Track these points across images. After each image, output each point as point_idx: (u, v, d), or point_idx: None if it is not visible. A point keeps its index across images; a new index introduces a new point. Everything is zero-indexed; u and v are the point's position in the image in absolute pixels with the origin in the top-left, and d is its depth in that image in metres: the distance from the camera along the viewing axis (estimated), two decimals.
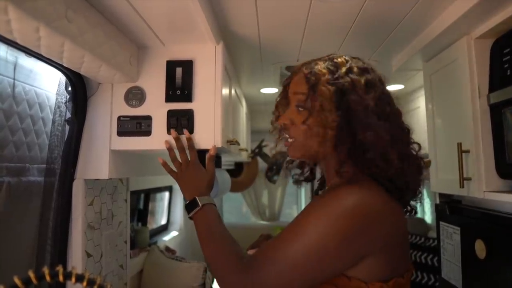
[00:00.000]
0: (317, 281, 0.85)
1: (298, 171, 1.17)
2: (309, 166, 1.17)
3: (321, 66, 0.95)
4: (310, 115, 0.93)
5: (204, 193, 1.15)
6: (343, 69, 0.93)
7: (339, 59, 0.97)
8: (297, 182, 1.18)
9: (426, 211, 4.16)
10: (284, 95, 1.07)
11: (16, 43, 0.91)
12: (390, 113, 0.94)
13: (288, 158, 1.12)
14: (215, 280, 2.61)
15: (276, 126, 1.06)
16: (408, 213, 1.01)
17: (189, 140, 1.29)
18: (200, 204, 1.09)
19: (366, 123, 0.88)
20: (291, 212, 4.97)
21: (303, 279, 0.84)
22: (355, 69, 0.94)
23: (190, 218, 1.10)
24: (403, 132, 0.97)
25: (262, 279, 0.85)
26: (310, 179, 1.18)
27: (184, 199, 1.15)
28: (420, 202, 1.00)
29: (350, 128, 0.89)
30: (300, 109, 0.97)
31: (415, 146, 0.98)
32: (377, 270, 0.84)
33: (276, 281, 0.84)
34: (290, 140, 1.00)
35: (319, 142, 0.93)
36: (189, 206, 1.11)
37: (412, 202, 1.01)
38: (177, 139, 1.28)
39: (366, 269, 0.83)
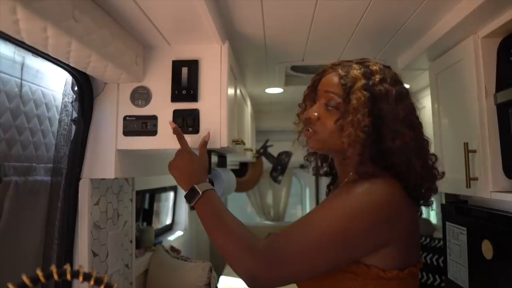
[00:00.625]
0: (337, 265, 0.88)
1: (318, 164, 1.21)
2: (328, 161, 1.20)
3: (357, 71, 0.99)
4: (341, 116, 0.97)
5: (201, 179, 1.12)
6: (378, 78, 0.97)
7: (373, 67, 1.00)
8: (320, 175, 1.22)
9: (431, 211, 4.14)
10: (312, 89, 1.11)
11: (24, 43, 0.92)
12: (416, 123, 0.99)
13: (309, 151, 1.15)
14: (220, 279, 2.60)
15: (302, 118, 1.08)
16: None
17: (175, 129, 1.25)
18: (200, 192, 1.06)
19: (395, 130, 0.93)
20: (295, 213, 4.97)
21: (323, 263, 0.86)
22: (389, 79, 0.98)
23: (192, 207, 1.07)
24: (426, 143, 1.01)
25: (283, 260, 0.85)
26: (329, 173, 1.21)
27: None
28: (431, 207, 1.03)
29: (379, 134, 0.94)
30: (330, 107, 1.01)
31: (432, 157, 1.02)
32: (394, 259, 0.88)
33: (297, 264, 0.85)
34: (310, 132, 1.03)
35: (348, 142, 0.94)
36: (189, 196, 1.08)
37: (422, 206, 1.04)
38: (175, 128, 1.27)
39: (384, 257, 0.88)
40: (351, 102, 0.95)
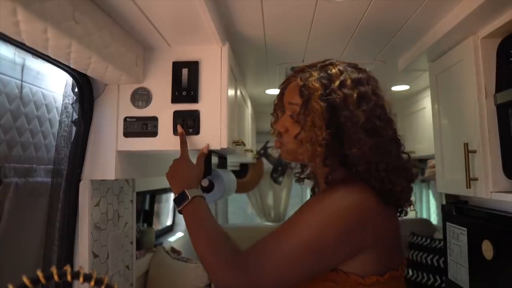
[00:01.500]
0: (314, 274, 0.88)
1: (299, 170, 1.20)
2: (312, 175, 1.19)
3: (314, 79, 0.96)
4: (302, 129, 0.98)
5: (193, 186, 1.12)
6: (337, 83, 0.95)
7: (333, 70, 0.98)
8: (299, 180, 1.21)
9: (431, 212, 4.14)
10: (280, 98, 1.11)
11: (24, 45, 0.92)
12: (380, 126, 0.95)
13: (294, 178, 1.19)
14: None
15: (273, 129, 1.11)
16: (398, 214, 1.02)
17: (181, 135, 1.29)
18: (189, 197, 1.06)
19: (353, 140, 0.92)
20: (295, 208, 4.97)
21: (300, 273, 0.86)
22: (349, 82, 0.95)
23: (179, 211, 1.08)
24: (394, 144, 0.98)
25: (259, 273, 0.85)
26: (311, 177, 1.20)
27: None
28: (412, 206, 1.01)
29: (338, 144, 0.93)
30: (294, 118, 1.00)
31: (404, 156, 1.00)
32: (372, 265, 0.88)
33: (274, 275, 0.85)
34: (280, 144, 1.06)
35: (308, 156, 0.95)
36: (178, 199, 1.08)
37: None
38: (182, 134, 1.30)
39: (362, 264, 0.87)
40: (308, 115, 0.94)
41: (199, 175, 1.20)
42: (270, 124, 1.18)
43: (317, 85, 0.95)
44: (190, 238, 0.99)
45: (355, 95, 0.93)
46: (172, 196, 3.29)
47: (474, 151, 1.37)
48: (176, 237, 3.10)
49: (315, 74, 0.98)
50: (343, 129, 0.92)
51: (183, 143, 1.27)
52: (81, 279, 0.67)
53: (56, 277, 0.65)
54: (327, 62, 1.02)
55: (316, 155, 0.93)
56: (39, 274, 0.64)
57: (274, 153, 3.90)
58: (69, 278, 0.66)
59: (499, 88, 1.32)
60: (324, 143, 0.92)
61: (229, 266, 0.87)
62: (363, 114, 0.92)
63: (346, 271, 0.87)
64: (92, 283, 0.67)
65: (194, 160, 1.24)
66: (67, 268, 0.66)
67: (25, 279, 0.62)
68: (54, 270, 0.65)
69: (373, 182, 0.91)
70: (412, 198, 1.00)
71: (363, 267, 0.87)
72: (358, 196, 0.89)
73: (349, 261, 0.87)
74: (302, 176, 1.20)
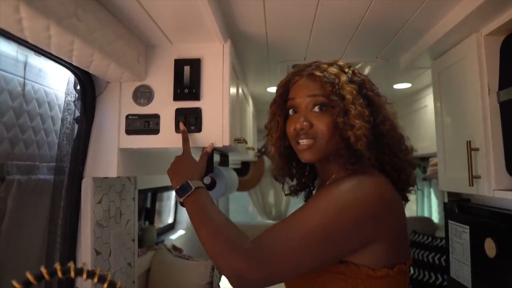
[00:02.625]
0: (324, 263, 0.87)
1: (291, 182, 1.16)
2: (299, 175, 1.15)
3: (332, 69, 0.98)
4: (337, 114, 0.94)
5: (196, 179, 1.09)
6: (350, 71, 1.00)
7: (340, 63, 1.02)
8: (295, 192, 1.16)
9: (433, 210, 4.13)
10: (281, 102, 1.06)
11: (27, 42, 0.92)
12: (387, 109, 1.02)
13: (274, 173, 1.13)
14: (222, 278, 2.61)
15: (291, 130, 1.01)
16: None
17: (183, 132, 1.29)
18: (192, 187, 1.03)
19: (385, 114, 0.97)
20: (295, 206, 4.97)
21: (312, 259, 0.85)
22: (356, 71, 1.02)
23: (181, 203, 1.04)
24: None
25: (272, 257, 0.83)
26: (305, 186, 1.17)
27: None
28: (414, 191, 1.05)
29: (374, 120, 0.96)
30: (318, 111, 0.97)
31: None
32: (383, 257, 0.88)
33: (286, 260, 0.83)
34: (309, 142, 0.97)
35: (357, 136, 0.91)
36: (181, 190, 1.04)
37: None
38: (184, 131, 1.30)
39: (373, 256, 0.87)
40: (345, 98, 0.93)
41: (201, 171, 1.18)
42: (266, 136, 1.13)
43: (337, 71, 0.97)
44: (195, 228, 0.96)
45: (367, 79, 1.01)
46: (173, 194, 3.30)
47: (477, 149, 1.37)
48: (178, 235, 3.11)
49: (325, 66, 0.99)
50: (375, 107, 0.97)
51: (185, 141, 1.27)
52: (84, 275, 0.67)
53: (59, 273, 0.65)
54: (318, 61, 1.04)
55: (364, 134, 0.91)
56: (43, 270, 0.64)
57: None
58: (72, 274, 0.66)
59: (502, 85, 1.31)
60: (368, 119, 0.93)
61: (238, 252, 0.84)
62: (380, 95, 1.01)
63: (357, 263, 0.87)
64: (96, 279, 0.68)
65: (193, 156, 1.24)
66: (71, 264, 0.66)
67: (29, 275, 0.62)
68: (57, 266, 0.65)
69: (387, 167, 0.96)
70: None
71: (373, 259, 0.87)
72: (372, 186, 0.90)
73: (360, 252, 0.87)
74: (298, 188, 1.16)
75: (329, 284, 0.89)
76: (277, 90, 1.09)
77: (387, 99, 1.02)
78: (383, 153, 0.96)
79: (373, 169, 0.94)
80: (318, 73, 0.97)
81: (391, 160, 0.97)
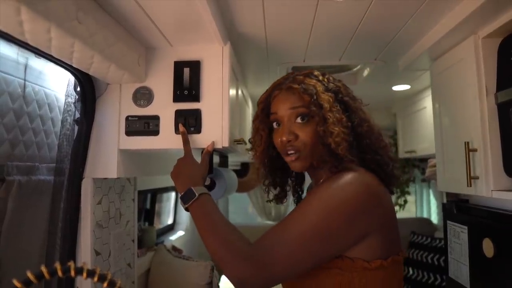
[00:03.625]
0: (323, 260, 0.90)
1: (276, 191, 1.20)
2: (281, 184, 1.20)
3: (309, 79, 1.04)
4: (317, 123, 0.99)
5: (199, 184, 1.13)
6: (325, 79, 1.06)
7: (315, 73, 1.07)
8: (279, 199, 1.21)
9: (432, 211, 4.14)
10: (263, 117, 1.12)
11: (28, 44, 0.93)
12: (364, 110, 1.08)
13: (265, 184, 1.18)
14: (222, 278, 2.60)
15: (278, 143, 1.06)
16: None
17: (183, 133, 1.30)
18: (196, 194, 1.05)
19: (361, 116, 1.03)
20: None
21: (310, 258, 0.88)
22: (331, 78, 1.08)
23: (186, 209, 1.07)
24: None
25: (271, 261, 0.86)
26: (286, 195, 1.22)
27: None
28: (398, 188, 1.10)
29: (351, 124, 1.01)
30: (301, 122, 1.02)
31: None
32: (377, 249, 0.92)
33: (285, 262, 0.87)
34: (295, 154, 1.02)
35: (337, 141, 0.96)
36: (185, 197, 1.07)
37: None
38: (183, 132, 1.31)
39: (367, 248, 0.91)
40: (323, 106, 0.98)
41: (204, 173, 1.20)
42: (249, 150, 1.19)
43: (314, 81, 1.03)
44: (200, 234, 0.99)
45: (341, 84, 1.07)
46: (173, 195, 3.31)
47: (475, 150, 1.38)
48: (177, 236, 3.11)
49: (301, 78, 1.05)
50: (351, 111, 1.02)
51: (186, 142, 1.28)
52: (84, 274, 0.68)
53: (60, 273, 0.66)
54: (294, 72, 1.10)
55: (344, 138, 0.96)
56: (43, 269, 0.64)
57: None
58: (72, 273, 0.67)
59: (500, 87, 1.32)
60: (346, 124, 0.99)
61: (242, 258, 0.88)
62: (354, 98, 1.06)
63: (351, 256, 0.90)
64: (96, 279, 0.68)
65: (196, 158, 1.25)
66: (71, 263, 0.67)
67: (30, 275, 0.63)
68: (58, 265, 0.66)
69: (372, 165, 1.01)
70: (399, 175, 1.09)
71: (368, 251, 0.90)
72: (362, 181, 0.93)
73: (354, 246, 0.90)
74: (281, 196, 1.20)
75: (326, 280, 0.92)
76: (258, 105, 1.15)
77: (363, 101, 1.08)
78: (364, 152, 1.02)
79: (359, 167, 0.99)
80: (295, 86, 1.03)
81: (373, 158, 1.02)
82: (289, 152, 1.03)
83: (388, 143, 1.09)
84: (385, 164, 1.03)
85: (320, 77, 1.05)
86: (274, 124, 1.08)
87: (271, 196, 1.20)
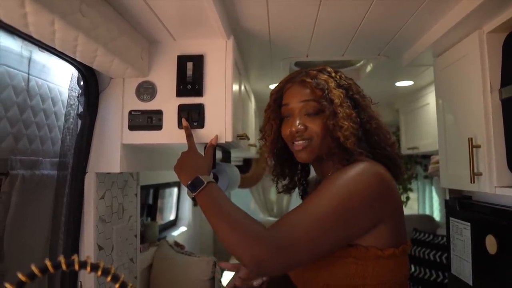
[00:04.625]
0: (339, 244, 0.93)
1: (285, 181, 1.23)
2: (291, 174, 1.22)
3: (321, 75, 1.07)
4: (327, 117, 1.02)
5: (205, 173, 1.11)
6: (337, 76, 1.10)
7: (328, 69, 1.11)
8: (288, 190, 1.24)
9: (434, 208, 4.13)
10: (275, 108, 1.14)
11: (31, 37, 0.92)
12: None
13: (274, 174, 1.21)
14: (224, 273, 2.61)
15: (287, 133, 1.08)
16: None
17: (186, 128, 1.30)
18: (204, 182, 1.04)
19: (370, 114, 1.07)
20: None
21: (329, 242, 0.90)
22: (343, 75, 1.12)
23: (193, 199, 1.05)
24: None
25: (291, 242, 0.87)
26: (299, 184, 1.25)
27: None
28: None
29: (360, 120, 1.05)
30: (311, 114, 1.05)
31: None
32: (389, 237, 0.95)
33: (307, 244, 0.88)
34: (304, 143, 1.05)
35: (346, 135, 1.00)
36: (193, 185, 1.05)
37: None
38: (187, 127, 1.31)
39: (380, 237, 0.94)
40: (334, 102, 1.02)
41: (209, 165, 1.20)
42: (259, 140, 1.22)
43: (326, 77, 1.07)
44: (210, 222, 0.97)
45: (352, 82, 1.10)
46: (175, 190, 3.31)
47: (478, 146, 1.37)
48: (180, 232, 3.11)
49: (314, 73, 1.08)
50: (361, 108, 1.06)
51: (189, 136, 1.28)
52: (88, 268, 0.68)
53: (64, 266, 0.66)
54: (307, 68, 1.13)
55: (353, 133, 1.00)
56: (48, 263, 0.64)
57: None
58: (76, 267, 0.67)
59: (504, 82, 1.32)
60: (356, 119, 1.02)
61: (259, 241, 0.87)
62: (365, 96, 1.10)
63: (365, 245, 0.93)
64: (99, 272, 0.68)
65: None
66: (75, 257, 0.67)
67: (34, 268, 0.63)
68: (62, 259, 0.66)
69: (382, 158, 1.04)
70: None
71: (380, 240, 0.94)
72: (376, 170, 0.96)
73: (368, 234, 0.93)
74: (290, 186, 1.23)
75: (341, 269, 0.94)
76: (270, 96, 1.17)
77: (372, 100, 1.12)
78: (374, 147, 1.05)
79: (369, 159, 1.01)
80: (308, 80, 1.07)
81: (382, 152, 1.06)
82: (296, 142, 1.06)
83: (395, 141, 1.12)
84: (394, 159, 1.07)
85: (333, 74, 1.09)
86: (285, 116, 1.11)
87: (279, 186, 1.23)
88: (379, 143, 1.06)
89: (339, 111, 1.01)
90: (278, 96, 1.14)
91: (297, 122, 1.05)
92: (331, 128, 1.02)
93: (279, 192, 1.26)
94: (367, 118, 1.06)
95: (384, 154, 1.06)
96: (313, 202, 0.93)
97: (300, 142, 1.05)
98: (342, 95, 1.03)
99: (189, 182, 1.07)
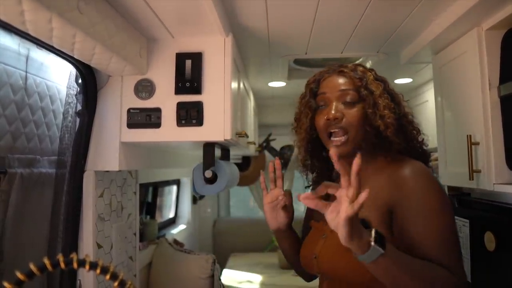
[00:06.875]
0: None
1: (313, 175, 1.24)
2: (320, 168, 1.22)
3: (359, 68, 1.11)
4: (366, 106, 1.05)
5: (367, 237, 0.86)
6: (373, 71, 1.13)
7: (363, 65, 1.16)
8: (316, 184, 1.24)
9: None
10: (311, 96, 1.14)
11: (29, 35, 0.92)
12: None
13: (301, 167, 1.23)
14: (223, 271, 2.60)
15: (324, 120, 1.07)
16: None
17: (278, 169, 1.21)
18: (382, 250, 0.80)
19: (404, 110, 1.11)
20: (298, 207, 4.98)
21: None
22: (376, 72, 1.14)
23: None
24: None
25: (461, 265, 0.94)
26: (328, 178, 1.20)
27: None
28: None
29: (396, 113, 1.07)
30: (348, 103, 1.06)
31: None
32: None
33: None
34: (343, 136, 1.05)
35: (386, 124, 1.02)
36: (369, 256, 0.80)
37: None
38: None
39: None
40: (374, 92, 1.05)
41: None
42: (293, 129, 1.21)
43: (365, 69, 1.11)
44: (396, 284, 0.86)
45: (386, 79, 1.14)
46: (174, 188, 3.31)
47: (477, 143, 1.37)
48: (179, 230, 3.12)
49: (352, 65, 1.13)
50: (396, 102, 1.09)
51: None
52: (87, 266, 0.68)
53: (62, 264, 0.66)
54: (343, 64, 1.15)
55: (391, 123, 1.03)
56: (46, 261, 0.64)
57: (276, 146, 3.91)
58: (75, 265, 0.67)
59: (503, 80, 1.32)
60: (394, 111, 1.05)
61: (455, 278, 0.90)
62: (398, 93, 1.14)
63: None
64: (98, 271, 0.68)
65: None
66: (74, 255, 0.67)
67: (33, 266, 0.63)
68: (60, 257, 0.66)
69: (414, 153, 1.09)
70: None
71: None
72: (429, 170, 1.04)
73: None
74: (318, 180, 1.22)
75: None
76: (306, 86, 1.17)
77: (403, 96, 1.15)
78: (410, 141, 1.09)
79: (412, 159, 1.05)
80: (347, 70, 1.09)
81: (415, 148, 1.11)
82: (334, 131, 1.05)
83: (424, 138, 1.15)
84: (425, 156, 1.12)
85: (368, 69, 1.13)
86: (321, 104, 1.11)
87: (309, 179, 1.25)
88: (412, 139, 1.10)
89: (379, 102, 1.04)
90: (314, 86, 1.14)
91: (333, 110, 1.05)
92: (371, 117, 1.04)
93: (306, 187, 1.26)
94: (403, 113, 1.09)
95: (417, 150, 1.10)
96: (439, 226, 0.94)
97: (337, 137, 1.05)
98: (381, 87, 1.07)
99: (362, 256, 0.82)
